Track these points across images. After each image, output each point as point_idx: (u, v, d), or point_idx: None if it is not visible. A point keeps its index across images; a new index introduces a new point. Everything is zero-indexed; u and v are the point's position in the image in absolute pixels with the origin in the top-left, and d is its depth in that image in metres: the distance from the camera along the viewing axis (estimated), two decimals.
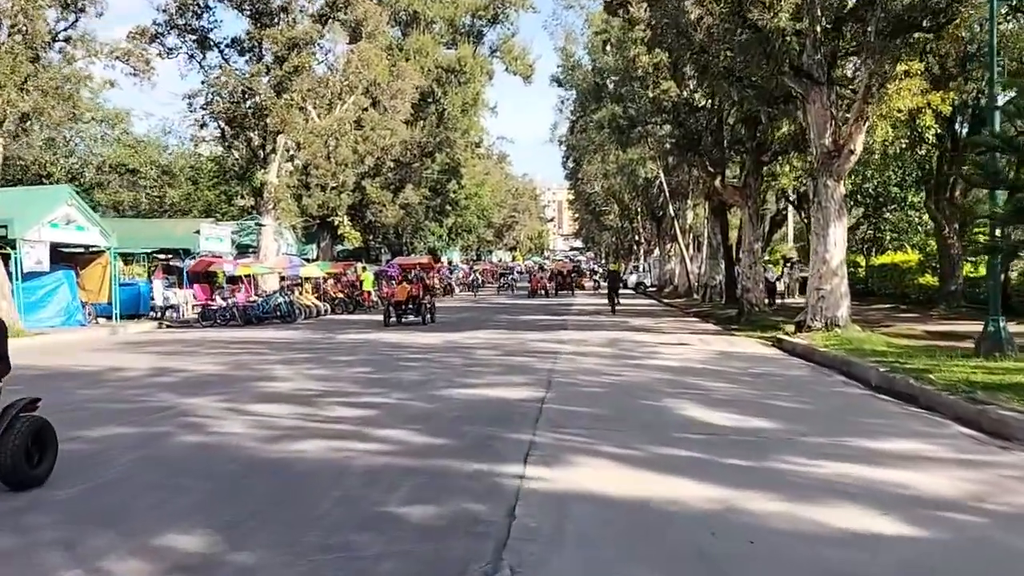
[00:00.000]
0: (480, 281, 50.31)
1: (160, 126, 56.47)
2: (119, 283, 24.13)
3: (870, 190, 36.08)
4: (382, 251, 49.81)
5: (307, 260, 36.07)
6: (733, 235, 34.27)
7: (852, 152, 16.79)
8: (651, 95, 25.22)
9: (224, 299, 24.59)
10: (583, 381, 10.69)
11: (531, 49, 54.63)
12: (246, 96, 30.12)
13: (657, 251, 56.02)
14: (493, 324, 22.50)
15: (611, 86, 31.83)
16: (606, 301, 29.02)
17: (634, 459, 6.19)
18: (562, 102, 42.08)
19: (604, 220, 71.11)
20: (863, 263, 37.55)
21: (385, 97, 37.59)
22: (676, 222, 42.20)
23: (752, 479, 5.60)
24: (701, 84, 21.88)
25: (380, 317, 22.73)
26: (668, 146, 29.39)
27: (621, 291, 33.53)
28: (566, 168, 64.00)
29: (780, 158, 26.76)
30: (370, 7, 35.54)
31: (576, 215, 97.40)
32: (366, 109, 36.87)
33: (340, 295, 30.97)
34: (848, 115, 17.41)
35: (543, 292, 43.78)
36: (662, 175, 40.66)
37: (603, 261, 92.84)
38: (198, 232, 27.71)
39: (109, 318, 23.21)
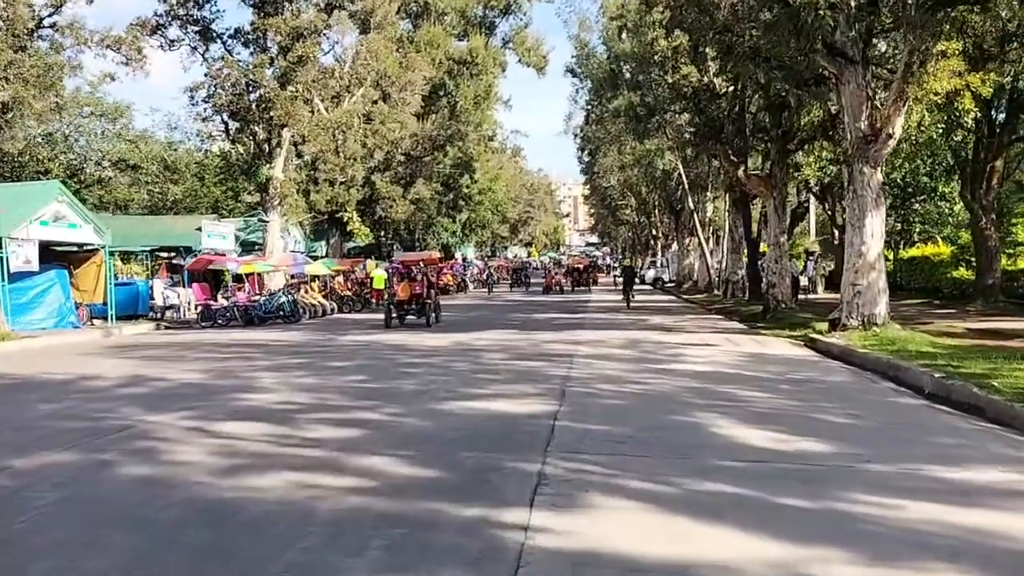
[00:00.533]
0: (495, 278, 49.02)
1: (166, 122, 55.37)
2: (115, 283, 23.17)
3: (898, 180, 34.58)
4: (394, 247, 48.77)
5: (315, 257, 35.05)
6: (754, 228, 32.93)
7: (891, 136, 15.50)
8: (670, 80, 23.97)
9: (226, 298, 23.64)
10: (601, 391, 9.52)
11: (544, 40, 53.06)
12: (250, 88, 29.13)
13: (675, 245, 54.68)
14: (505, 323, 21.35)
15: (628, 73, 30.50)
16: (622, 296, 29.89)
17: (666, 499, 5.04)
18: (576, 91, 40.71)
19: (620, 215, 69.78)
20: (891, 256, 36.06)
21: (395, 89, 36.50)
22: (696, 215, 40.85)
23: (817, 528, 4.43)
24: (724, 67, 20.57)
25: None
26: (687, 136, 28.12)
27: (638, 287, 33.92)
28: (581, 162, 62.68)
29: (806, 147, 25.45)
30: None
31: (592, 210, 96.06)
32: (375, 102, 35.82)
33: (348, 293, 29.93)
34: (884, 97, 16.15)
35: (558, 288, 42.62)
36: (681, 167, 39.32)
37: (619, 256, 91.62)
38: (200, 229, 26.70)
39: (105, 319, 22.27)
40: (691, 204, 41.38)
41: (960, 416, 8.11)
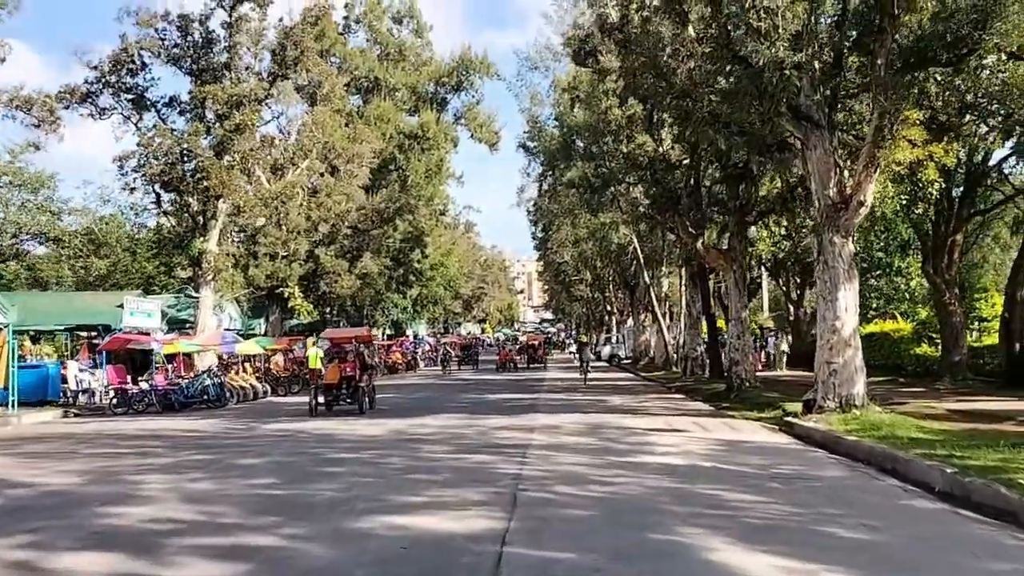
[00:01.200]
0: (450, 355, 46.96)
1: (99, 194, 53.07)
2: (21, 365, 20.91)
3: None
4: (340, 324, 46.70)
5: (252, 335, 32.90)
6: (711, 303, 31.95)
7: (862, 204, 14.47)
8: (624, 150, 23.05)
9: (146, 381, 21.50)
10: (561, 496, 7.85)
11: (497, 116, 52.70)
12: (184, 157, 27.57)
13: (630, 321, 53.67)
14: (453, 406, 19.52)
15: (581, 144, 29.70)
16: (578, 375, 29.94)
17: None
18: (529, 163, 39.89)
19: (574, 290, 68.84)
20: None
21: (341, 162, 35.24)
22: (651, 290, 39.92)
23: None
24: (682, 134, 19.67)
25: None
26: (642, 209, 27.21)
27: (594, 363, 32.62)
28: (535, 237, 61.79)
29: (765, 219, 24.68)
30: (324, 68, 33.55)
31: (546, 287, 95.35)
32: (322, 174, 34.49)
33: (285, 374, 27.86)
34: (852, 163, 15.27)
35: (512, 365, 41.12)
36: (636, 240, 38.50)
37: (574, 332, 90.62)
38: (121, 306, 24.56)
39: (7, 406, 19.94)
40: (646, 279, 40.48)
41: (992, 526, 6.70)
